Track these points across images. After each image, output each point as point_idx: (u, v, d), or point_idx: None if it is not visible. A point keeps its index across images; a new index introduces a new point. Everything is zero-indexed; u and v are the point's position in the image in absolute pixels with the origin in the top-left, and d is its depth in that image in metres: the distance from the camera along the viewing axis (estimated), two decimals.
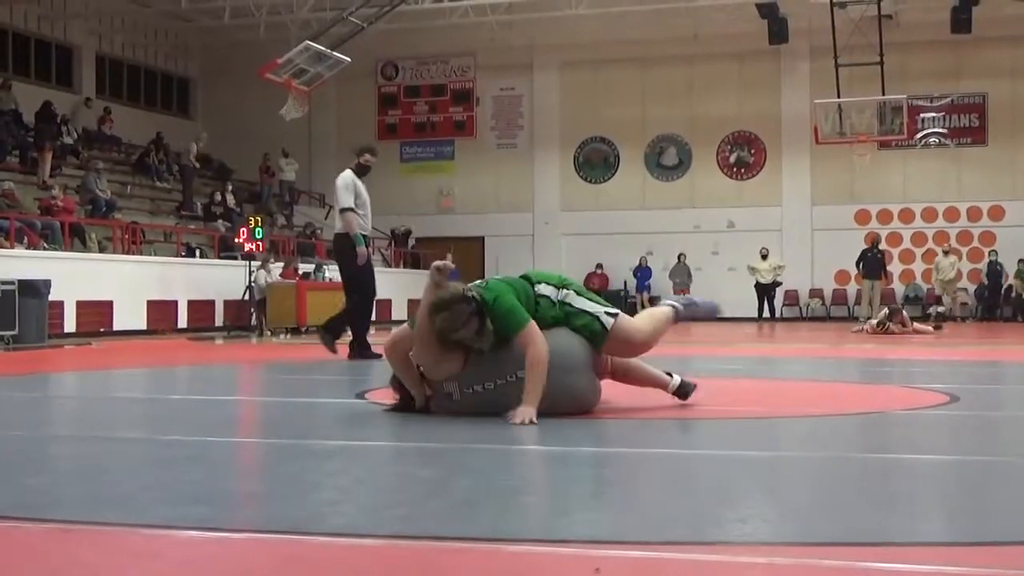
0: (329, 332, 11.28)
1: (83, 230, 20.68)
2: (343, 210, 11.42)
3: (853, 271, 27.09)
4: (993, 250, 28.24)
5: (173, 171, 28.88)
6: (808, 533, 3.12)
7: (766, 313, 27.82)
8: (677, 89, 30.96)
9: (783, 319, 28.62)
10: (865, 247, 25.64)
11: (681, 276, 29.33)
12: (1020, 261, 27.70)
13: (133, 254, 21.39)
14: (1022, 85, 29.09)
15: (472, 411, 5.63)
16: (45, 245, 18.92)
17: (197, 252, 23.70)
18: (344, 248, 11.53)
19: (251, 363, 12.24)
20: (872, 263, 25.35)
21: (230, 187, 28.32)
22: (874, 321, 19.61)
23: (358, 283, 11.57)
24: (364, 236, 11.52)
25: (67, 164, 24.84)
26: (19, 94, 25.72)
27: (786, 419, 6.11)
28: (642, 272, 30.16)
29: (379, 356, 10.20)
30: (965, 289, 28.45)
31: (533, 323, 5.55)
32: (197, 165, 27.88)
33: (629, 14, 28.79)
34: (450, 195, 32.61)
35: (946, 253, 26.36)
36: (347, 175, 11.56)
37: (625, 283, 30.49)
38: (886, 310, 19.57)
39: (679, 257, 29.58)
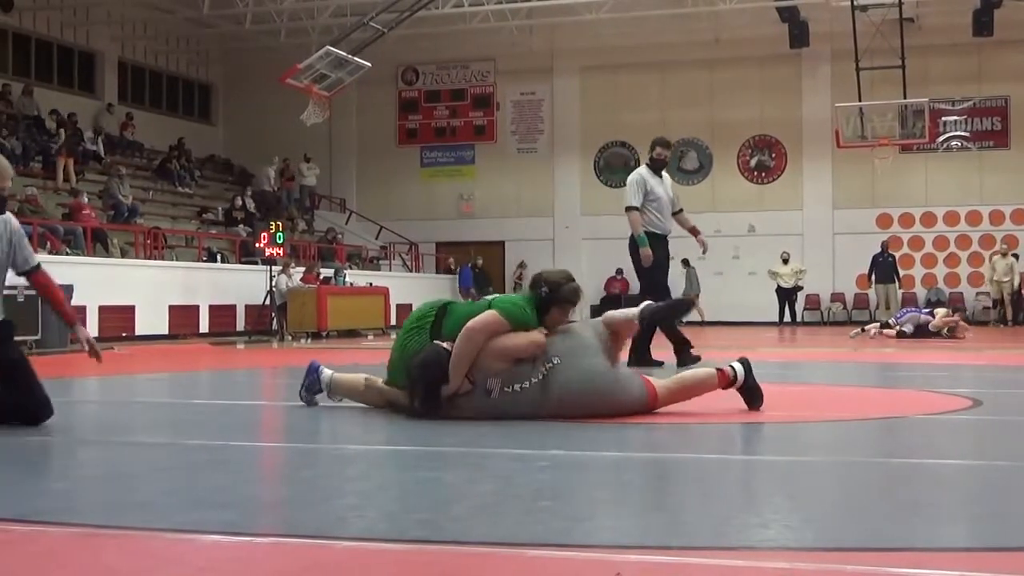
0: (681, 355, 10.40)
1: (105, 235, 20.78)
2: (627, 209, 10.71)
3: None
4: (1015, 253, 28.04)
5: (194, 176, 29.03)
6: (830, 538, 3.11)
7: (787, 317, 27.74)
8: (698, 93, 30.89)
9: (804, 323, 28.52)
10: (876, 252, 25.62)
11: (690, 284, 29.30)
12: None
13: (155, 259, 21.48)
14: None
15: (500, 412, 5.75)
16: (68, 250, 19.02)
17: (218, 257, 23.78)
18: (634, 250, 10.75)
19: (272, 368, 12.27)
20: (884, 268, 25.32)
21: (250, 191, 28.51)
22: (877, 326, 19.56)
23: (649, 284, 10.69)
24: (659, 235, 10.67)
25: (90, 170, 24.96)
26: (41, 100, 25.87)
27: (808, 423, 6.09)
28: None
29: (660, 364, 10.07)
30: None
31: None
32: (276, 188, 28.45)
33: (649, 18, 28.76)
34: (471, 200, 32.62)
35: (1004, 255, 26.26)
36: (637, 172, 10.89)
37: None
38: (948, 311, 19.52)
39: (683, 263, 29.56)
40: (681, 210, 11.12)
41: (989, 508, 3.62)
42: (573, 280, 6.14)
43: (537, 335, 5.94)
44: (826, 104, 28.26)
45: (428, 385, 5.83)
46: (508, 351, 5.85)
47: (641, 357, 10.21)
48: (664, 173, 11.03)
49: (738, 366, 6.18)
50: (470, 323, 5.87)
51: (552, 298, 6.00)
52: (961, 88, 29.27)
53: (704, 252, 11.02)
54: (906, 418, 6.40)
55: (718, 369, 6.19)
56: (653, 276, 10.65)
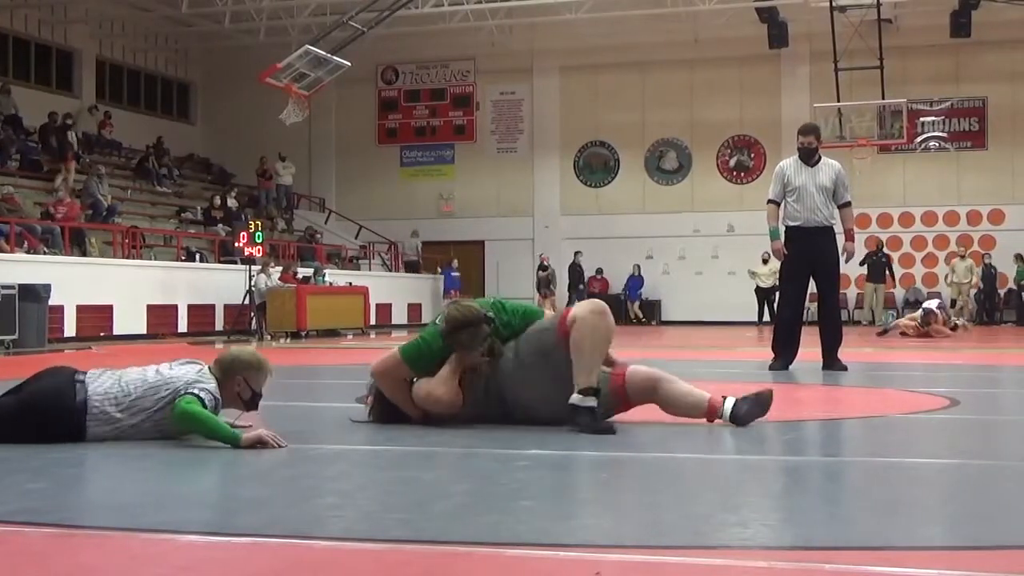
0: (828, 360, 10.17)
1: (83, 235, 20.68)
2: (767, 202, 10.42)
3: (852, 275, 27.06)
4: (988, 253, 28.23)
5: (173, 175, 28.93)
6: (809, 537, 3.12)
7: (766, 317, 27.80)
8: (677, 93, 30.95)
9: None
10: (869, 251, 25.69)
11: (545, 285, 29.51)
12: (1017, 256, 27.63)
13: (133, 259, 21.38)
14: (1022, 89, 29.03)
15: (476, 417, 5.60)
16: (45, 250, 18.92)
17: (197, 256, 23.70)
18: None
19: None
20: (876, 267, 25.44)
21: (235, 191, 28.46)
22: (893, 321, 19.71)
23: (781, 280, 10.56)
24: (802, 227, 10.01)
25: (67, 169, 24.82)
26: (19, 99, 25.73)
27: (787, 423, 6.10)
28: (633, 282, 30.22)
29: (845, 368, 9.92)
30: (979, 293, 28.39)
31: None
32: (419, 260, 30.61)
33: (629, 18, 28.79)
34: (450, 199, 32.60)
35: (962, 257, 26.47)
36: (781, 164, 10.55)
37: (626, 287, 30.52)
38: (922, 311, 19.69)
39: (540, 260, 29.91)
40: (847, 204, 10.27)
41: (967, 507, 3.64)
42: (479, 324, 5.34)
43: (449, 393, 5.43)
44: (805, 104, 28.34)
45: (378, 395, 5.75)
46: (430, 404, 5.48)
47: (832, 363, 10.10)
48: (829, 161, 10.44)
49: (729, 401, 5.53)
50: (373, 364, 5.68)
51: (448, 340, 5.40)
52: (939, 89, 29.42)
53: (847, 260, 10.55)
54: (885, 417, 6.43)
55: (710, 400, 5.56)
56: (784, 271, 10.41)
